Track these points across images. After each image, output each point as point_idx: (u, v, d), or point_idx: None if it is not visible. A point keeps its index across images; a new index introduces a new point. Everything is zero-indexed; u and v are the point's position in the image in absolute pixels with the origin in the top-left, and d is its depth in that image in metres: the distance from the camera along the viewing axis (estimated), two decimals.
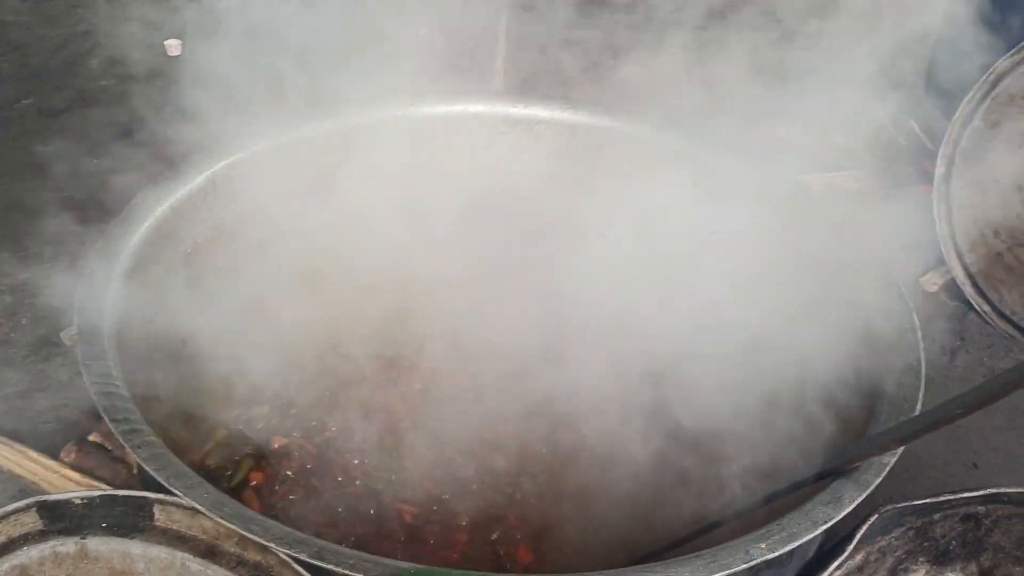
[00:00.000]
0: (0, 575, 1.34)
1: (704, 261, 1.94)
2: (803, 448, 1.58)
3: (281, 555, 1.25)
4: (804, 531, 1.25)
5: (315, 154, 2.05)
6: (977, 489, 1.47)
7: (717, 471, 1.70)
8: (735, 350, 1.84)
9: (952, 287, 2.94)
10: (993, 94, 2.76)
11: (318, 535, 1.35)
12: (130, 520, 1.35)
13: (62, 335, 2.62)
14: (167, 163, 1.98)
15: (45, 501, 1.36)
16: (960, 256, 2.88)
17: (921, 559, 1.46)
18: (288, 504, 1.87)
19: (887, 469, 1.33)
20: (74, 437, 2.29)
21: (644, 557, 1.50)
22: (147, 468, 1.33)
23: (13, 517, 1.34)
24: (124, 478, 2.16)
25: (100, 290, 1.61)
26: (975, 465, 2.50)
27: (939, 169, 2.85)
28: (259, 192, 1.98)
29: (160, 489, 1.34)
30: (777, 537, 1.24)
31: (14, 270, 2.86)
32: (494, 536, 1.74)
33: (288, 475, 1.93)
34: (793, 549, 1.28)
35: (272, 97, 2.12)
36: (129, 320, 1.66)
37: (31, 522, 1.35)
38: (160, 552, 1.33)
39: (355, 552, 1.23)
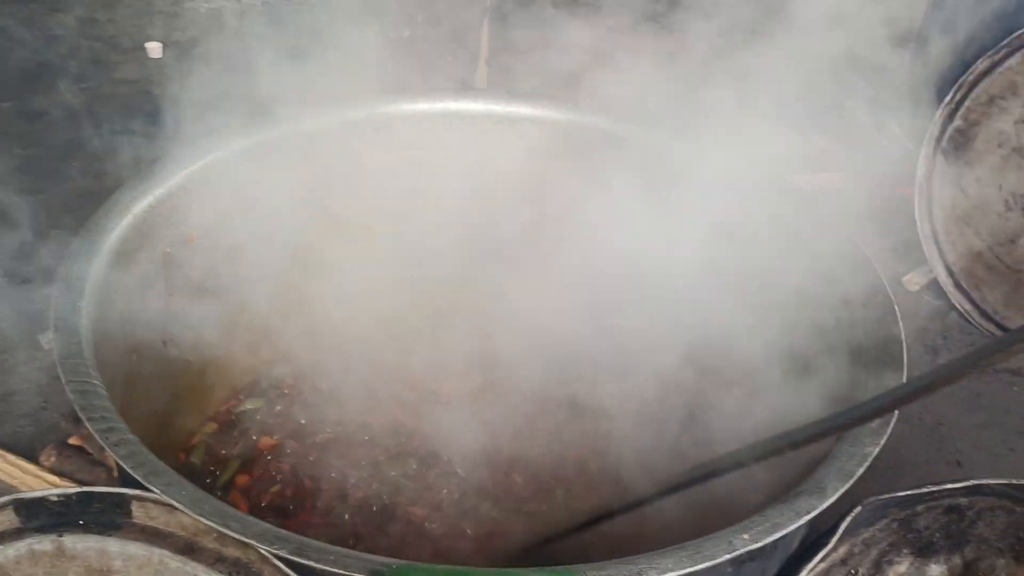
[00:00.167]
0: None
1: (686, 257, 1.94)
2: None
3: (261, 551, 1.24)
4: (788, 521, 1.25)
5: (295, 153, 2.04)
6: (960, 481, 1.46)
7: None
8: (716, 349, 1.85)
9: (934, 286, 2.96)
10: (973, 94, 2.78)
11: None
12: (108, 517, 1.33)
13: (40, 338, 2.60)
14: (147, 164, 1.96)
15: (21, 499, 1.33)
16: (942, 255, 2.89)
17: (905, 551, 1.45)
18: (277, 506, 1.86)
19: (870, 459, 1.33)
20: (53, 440, 2.27)
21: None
22: (124, 466, 1.31)
23: None
24: (104, 481, 2.14)
25: (77, 289, 1.59)
26: (958, 463, 2.51)
27: (920, 169, 2.87)
28: (240, 191, 1.97)
29: (139, 487, 1.32)
30: (760, 528, 1.24)
31: None
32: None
33: (277, 478, 1.92)
34: (777, 541, 1.27)
35: (254, 97, 2.11)
36: (106, 319, 1.64)
37: (7, 520, 1.33)
38: (138, 549, 1.31)
39: (336, 548, 1.22)
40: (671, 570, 1.19)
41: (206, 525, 1.26)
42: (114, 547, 1.32)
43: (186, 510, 1.26)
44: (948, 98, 2.79)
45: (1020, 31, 2.67)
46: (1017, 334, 0.90)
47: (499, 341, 2.04)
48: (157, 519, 1.32)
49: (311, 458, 1.94)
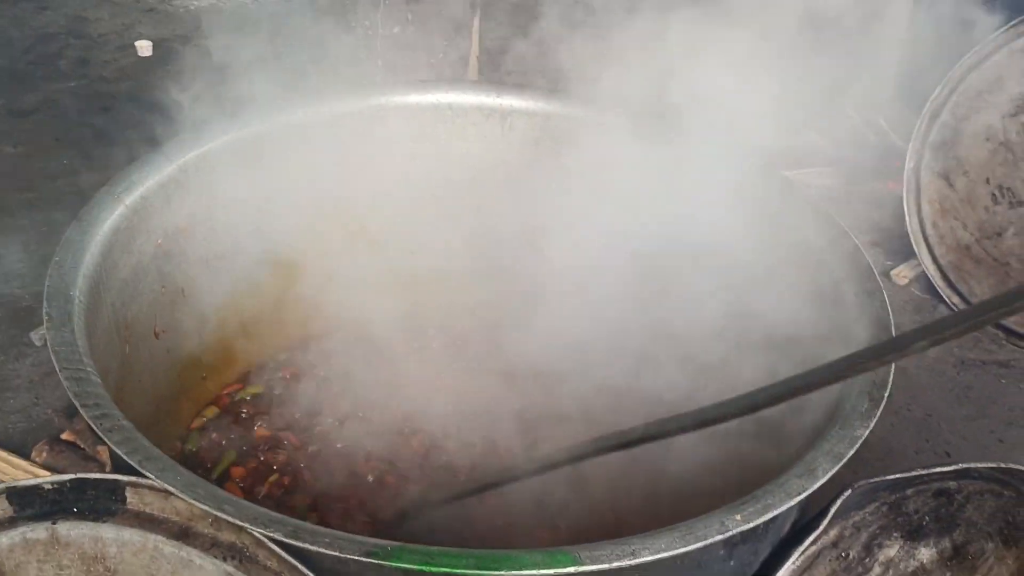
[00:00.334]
0: None
1: (679, 252, 1.95)
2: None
3: (256, 535, 1.24)
4: (779, 502, 1.26)
5: (287, 145, 2.04)
6: (948, 465, 1.48)
7: None
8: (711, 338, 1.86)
9: (923, 280, 2.98)
10: (960, 88, 2.80)
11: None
12: (102, 504, 1.33)
13: (32, 335, 2.60)
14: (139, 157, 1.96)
15: (15, 487, 1.33)
16: (930, 249, 2.91)
17: (895, 534, 1.47)
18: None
19: (860, 441, 1.34)
20: (46, 436, 2.27)
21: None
22: (118, 451, 1.31)
23: None
24: None
25: (70, 278, 1.59)
26: (948, 454, 2.53)
27: (908, 163, 2.89)
28: (232, 183, 1.97)
29: (133, 474, 1.32)
30: (752, 508, 1.25)
31: None
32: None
33: (273, 469, 1.92)
34: (769, 522, 1.28)
35: (244, 94, 2.12)
36: (100, 309, 1.65)
37: (1, 509, 1.33)
38: (132, 535, 1.31)
39: (330, 531, 1.22)
40: (664, 550, 1.20)
41: (201, 509, 1.26)
42: (108, 534, 1.32)
43: (180, 494, 1.26)
44: (936, 93, 2.81)
45: (1006, 26, 2.70)
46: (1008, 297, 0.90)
47: (494, 332, 2.04)
48: (151, 505, 1.33)
49: (309, 449, 1.95)
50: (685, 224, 1.89)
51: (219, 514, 1.23)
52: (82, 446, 2.23)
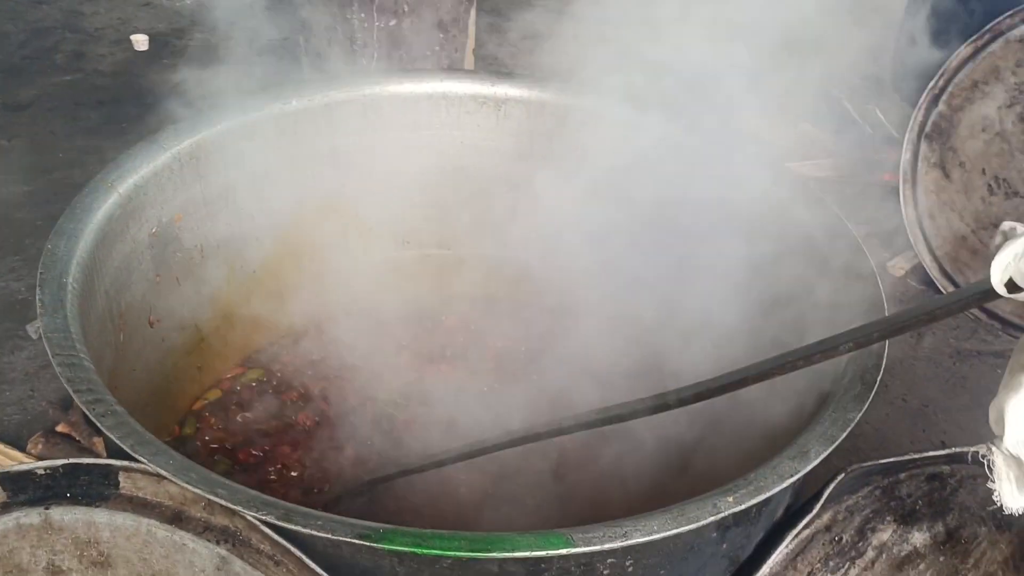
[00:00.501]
0: None
1: (674, 240, 1.96)
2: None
3: (249, 518, 1.24)
4: (771, 484, 1.26)
5: (282, 134, 2.04)
6: (941, 449, 1.48)
7: None
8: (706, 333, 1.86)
9: (919, 271, 2.98)
10: (956, 79, 2.80)
11: None
12: (95, 489, 1.33)
13: (28, 328, 2.60)
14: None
15: (8, 473, 1.33)
16: (927, 240, 2.91)
17: (888, 518, 1.47)
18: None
19: (852, 424, 1.34)
20: (41, 428, 2.27)
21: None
22: (111, 436, 1.31)
23: None
24: None
25: (63, 266, 1.59)
26: (943, 443, 2.53)
27: (904, 155, 2.89)
28: (227, 171, 1.97)
29: (126, 460, 1.32)
30: (744, 491, 1.25)
31: None
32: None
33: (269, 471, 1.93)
34: (761, 505, 1.28)
35: (239, 87, 2.12)
36: (93, 297, 1.64)
37: None
38: (126, 520, 1.31)
39: (323, 513, 1.22)
40: (656, 532, 1.20)
41: (193, 493, 1.26)
42: (101, 518, 1.32)
43: (173, 478, 1.26)
44: (931, 84, 2.81)
45: (1002, 16, 2.69)
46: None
47: (488, 322, 2.04)
48: (145, 489, 1.32)
49: (307, 433, 1.95)
50: (680, 210, 1.89)
51: (212, 498, 1.23)
52: (77, 438, 2.23)
